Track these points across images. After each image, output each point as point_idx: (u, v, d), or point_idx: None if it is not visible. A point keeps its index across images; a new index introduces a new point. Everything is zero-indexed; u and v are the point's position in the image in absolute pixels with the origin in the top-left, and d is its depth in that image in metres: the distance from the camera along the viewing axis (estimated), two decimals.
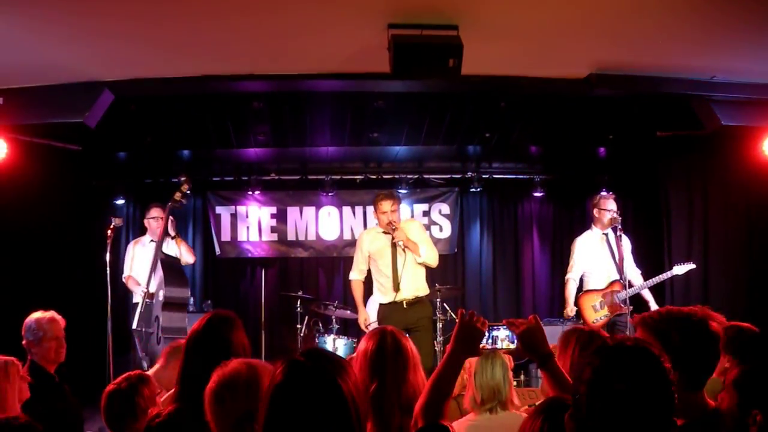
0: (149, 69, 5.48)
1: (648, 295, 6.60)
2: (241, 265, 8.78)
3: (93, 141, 6.44)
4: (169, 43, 5.02)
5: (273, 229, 8.70)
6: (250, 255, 8.70)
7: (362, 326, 6.31)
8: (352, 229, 8.71)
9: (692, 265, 6.55)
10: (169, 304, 6.15)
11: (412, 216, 8.56)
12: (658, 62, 5.53)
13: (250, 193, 8.51)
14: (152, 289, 6.25)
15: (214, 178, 8.63)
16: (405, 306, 6.10)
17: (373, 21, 4.62)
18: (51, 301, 4.36)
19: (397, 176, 8.50)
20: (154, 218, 6.82)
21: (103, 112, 5.66)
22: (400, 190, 8.27)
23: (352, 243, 8.55)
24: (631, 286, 6.44)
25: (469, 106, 6.60)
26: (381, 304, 6.27)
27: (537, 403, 2.35)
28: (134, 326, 6.20)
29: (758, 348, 2.83)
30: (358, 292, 6.48)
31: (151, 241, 6.85)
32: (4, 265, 6.21)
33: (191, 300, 7.45)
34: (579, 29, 4.88)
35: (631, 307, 6.34)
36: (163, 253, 6.43)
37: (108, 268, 6.05)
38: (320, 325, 7.21)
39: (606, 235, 6.68)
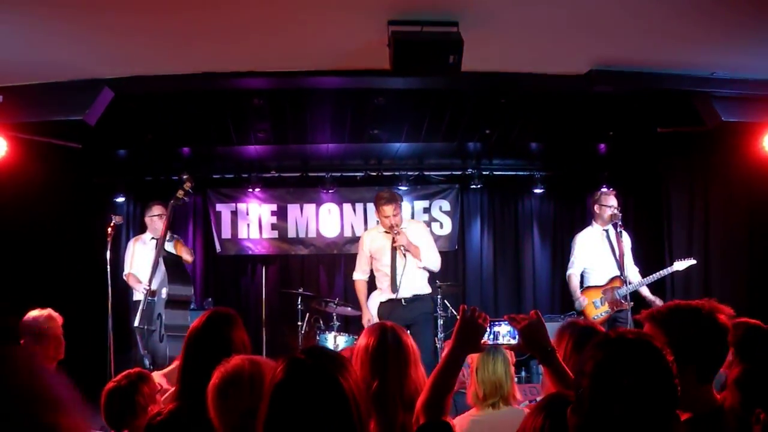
0: (149, 66, 5.47)
1: (646, 292, 6.60)
2: (242, 262, 8.78)
3: (93, 138, 6.43)
4: (169, 40, 5.01)
5: (273, 227, 8.70)
6: (250, 252, 8.70)
7: (365, 326, 6.31)
8: (352, 226, 8.71)
9: (692, 261, 6.55)
10: (172, 302, 6.15)
11: (413, 214, 8.56)
12: (659, 58, 5.52)
13: (250, 190, 8.50)
14: (154, 286, 6.26)
15: (215, 176, 8.62)
16: (404, 303, 6.12)
17: (374, 17, 4.61)
18: (51, 299, 4.36)
19: (397, 173, 8.50)
20: (158, 216, 6.83)
21: (103, 110, 5.65)
22: (400, 187, 8.27)
23: (353, 240, 8.56)
24: (631, 282, 6.44)
25: (470, 103, 6.59)
26: (381, 302, 6.28)
27: (538, 399, 2.34)
28: (136, 324, 6.21)
29: (760, 346, 2.82)
30: (361, 292, 6.49)
31: (152, 238, 6.85)
32: (4, 263, 6.21)
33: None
34: (579, 25, 4.87)
35: (632, 303, 6.34)
36: (165, 250, 6.44)
37: (108, 266, 6.05)
38: (321, 322, 7.21)
39: (606, 231, 6.68)
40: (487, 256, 8.96)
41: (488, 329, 2.47)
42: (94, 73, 5.49)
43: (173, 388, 2.90)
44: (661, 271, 6.55)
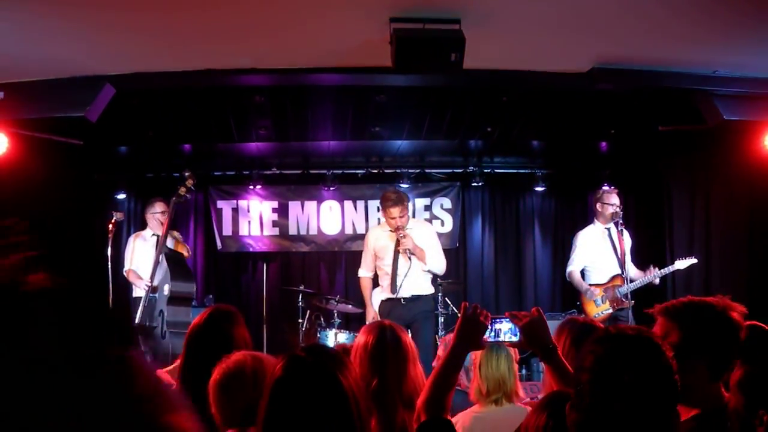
0: (151, 63, 5.47)
1: (635, 274, 6.54)
2: (243, 259, 8.78)
3: (94, 135, 6.43)
4: (171, 37, 5.01)
5: (274, 224, 8.69)
6: (251, 249, 8.70)
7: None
8: (353, 224, 8.71)
9: (694, 260, 6.55)
10: (174, 299, 6.16)
11: (414, 212, 8.55)
12: (660, 56, 5.51)
13: (251, 187, 8.50)
14: (155, 283, 6.26)
15: (216, 173, 8.62)
16: (403, 302, 6.10)
17: (375, 15, 4.61)
18: None
19: (398, 171, 8.50)
20: (159, 212, 6.82)
21: (104, 107, 5.65)
22: (401, 185, 8.26)
23: (354, 237, 8.56)
24: (632, 281, 6.44)
25: (471, 101, 6.59)
26: (382, 300, 6.28)
27: (540, 397, 2.34)
28: (136, 321, 6.21)
29: (762, 348, 2.81)
30: (366, 289, 6.48)
31: (153, 235, 6.85)
32: None
33: None
34: (581, 23, 4.87)
35: (633, 301, 6.34)
36: (167, 247, 6.44)
37: (109, 263, 6.05)
38: (322, 319, 7.21)
39: (608, 229, 6.68)
40: (488, 253, 8.95)
41: (489, 326, 2.46)
42: (96, 69, 5.48)
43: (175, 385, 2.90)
44: (662, 270, 6.55)
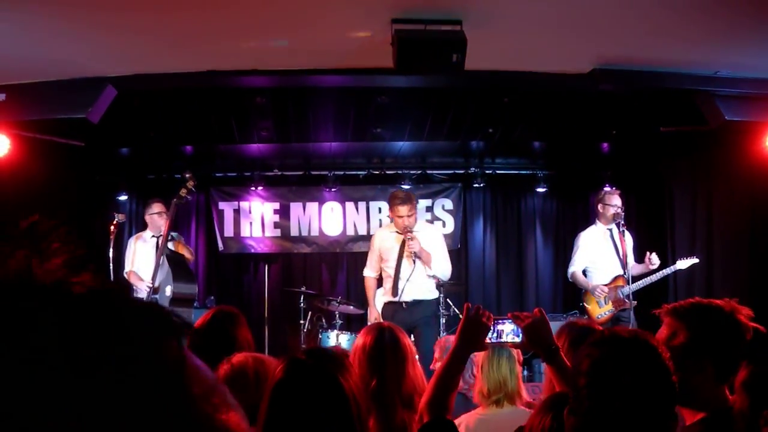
0: (152, 64, 5.47)
1: (637, 271, 6.53)
2: (244, 260, 8.79)
3: (96, 136, 6.43)
4: (172, 38, 5.02)
5: (276, 225, 8.70)
6: (253, 251, 8.70)
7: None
8: (355, 225, 8.71)
9: (695, 260, 6.55)
10: (177, 300, 6.15)
11: None
12: (662, 57, 5.51)
13: (253, 188, 8.50)
14: (156, 284, 6.26)
15: (217, 174, 8.63)
16: (404, 306, 6.06)
17: (377, 16, 4.61)
18: None
19: (400, 172, 8.50)
20: (157, 213, 6.82)
21: (106, 108, 5.65)
22: (403, 186, 8.25)
23: (355, 239, 8.56)
24: (635, 277, 6.43)
25: (473, 102, 6.58)
26: (384, 303, 6.26)
27: (542, 398, 2.34)
28: None
29: (766, 348, 2.80)
30: (370, 289, 6.45)
31: (153, 236, 6.85)
32: None
33: None
34: (582, 24, 4.86)
35: (635, 302, 6.33)
36: (168, 248, 6.43)
37: (111, 264, 6.05)
38: (323, 320, 7.21)
39: (610, 230, 6.68)
40: (489, 254, 8.96)
41: (492, 328, 2.45)
42: (97, 71, 5.49)
43: None
44: (663, 270, 6.54)
